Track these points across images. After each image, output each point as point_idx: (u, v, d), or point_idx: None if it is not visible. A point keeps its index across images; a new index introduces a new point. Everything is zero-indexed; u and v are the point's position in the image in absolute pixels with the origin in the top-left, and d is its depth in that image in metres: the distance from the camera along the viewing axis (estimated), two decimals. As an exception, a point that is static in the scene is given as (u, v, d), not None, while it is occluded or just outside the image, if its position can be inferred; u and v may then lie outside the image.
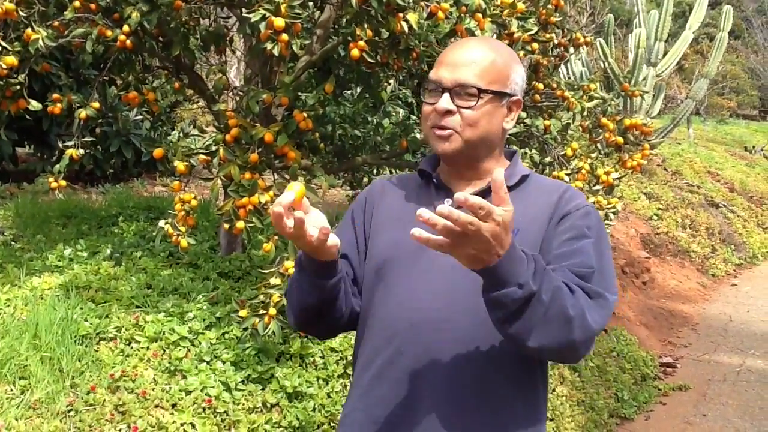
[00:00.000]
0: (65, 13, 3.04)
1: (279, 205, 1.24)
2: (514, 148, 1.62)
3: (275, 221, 1.25)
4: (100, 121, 3.76)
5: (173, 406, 2.97)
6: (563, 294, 1.23)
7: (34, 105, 3.16)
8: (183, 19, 3.23)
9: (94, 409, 2.86)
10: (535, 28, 3.37)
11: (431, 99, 1.44)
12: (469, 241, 1.11)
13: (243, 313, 3.01)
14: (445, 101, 1.40)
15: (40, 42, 2.94)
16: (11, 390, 2.86)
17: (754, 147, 17.90)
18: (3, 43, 2.94)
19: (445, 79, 1.41)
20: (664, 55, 10.39)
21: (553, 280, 1.23)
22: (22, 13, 2.95)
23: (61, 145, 3.41)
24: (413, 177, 1.58)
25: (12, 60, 2.97)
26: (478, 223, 1.08)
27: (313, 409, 3.13)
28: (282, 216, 1.24)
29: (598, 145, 4.05)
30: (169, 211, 3.13)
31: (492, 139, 1.46)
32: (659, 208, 10.08)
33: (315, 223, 1.29)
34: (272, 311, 2.92)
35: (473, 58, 1.42)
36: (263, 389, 3.16)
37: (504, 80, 1.44)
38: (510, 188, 1.43)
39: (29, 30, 2.95)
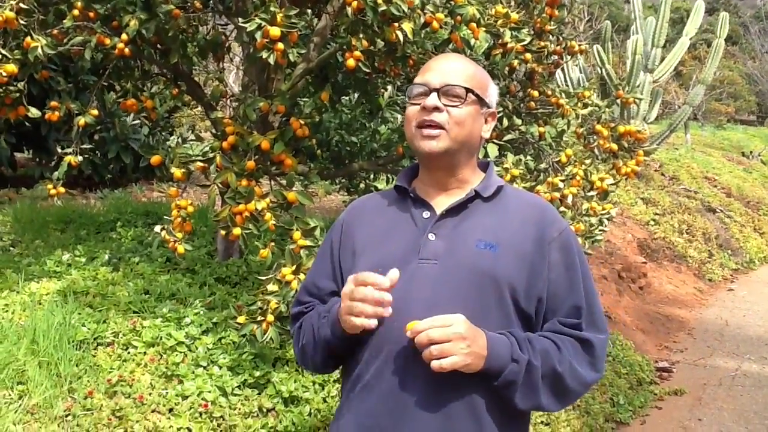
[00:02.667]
0: (64, 21, 3.08)
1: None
2: (488, 159, 1.67)
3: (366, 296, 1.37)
4: (98, 127, 3.79)
5: (170, 410, 3.00)
6: (550, 354, 1.41)
7: (34, 112, 3.19)
8: (181, 27, 3.26)
9: (92, 413, 2.88)
10: (529, 39, 3.40)
11: (417, 100, 1.50)
12: (454, 350, 1.32)
13: (241, 319, 3.03)
14: (433, 99, 1.46)
15: (40, 50, 2.97)
16: (9, 395, 2.89)
17: (751, 152, 17.97)
18: (3, 51, 2.97)
19: (433, 80, 1.48)
20: (661, 61, 10.44)
21: (536, 345, 1.41)
22: (22, 22, 2.98)
23: (60, 150, 3.43)
24: (390, 193, 1.61)
25: (12, 68, 3.00)
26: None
27: (309, 414, 3.15)
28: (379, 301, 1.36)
29: (594, 150, 4.08)
30: (166, 217, 3.16)
31: (473, 144, 1.53)
32: (656, 213, 10.11)
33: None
34: (270, 318, 2.94)
35: (458, 67, 1.51)
36: (259, 394, 3.18)
37: (484, 90, 1.53)
38: (486, 199, 1.51)
39: (29, 38, 2.99)
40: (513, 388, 1.39)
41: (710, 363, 5.98)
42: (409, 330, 1.34)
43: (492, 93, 1.56)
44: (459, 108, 1.46)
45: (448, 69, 1.49)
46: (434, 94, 1.46)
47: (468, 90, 1.47)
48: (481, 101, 1.51)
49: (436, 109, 1.45)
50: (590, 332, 1.47)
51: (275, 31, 2.64)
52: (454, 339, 1.32)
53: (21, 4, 2.96)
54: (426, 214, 1.51)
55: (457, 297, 1.40)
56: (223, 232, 3.04)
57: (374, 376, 1.44)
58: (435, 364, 1.32)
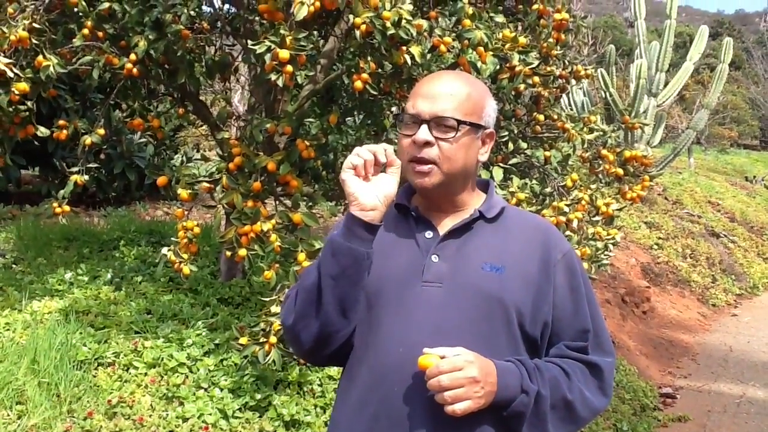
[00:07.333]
0: (74, 40, 3.09)
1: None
2: (487, 178, 1.61)
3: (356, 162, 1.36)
4: (104, 145, 3.80)
5: (170, 433, 2.96)
6: (559, 382, 1.39)
7: (43, 131, 3.20)
8: (189, 48, 3.28)
9: (91, 435, 2.85)
10: (536, 62, 3.41)
11: (409, 131, 1.43)
12: (468, 395, 1.29)
13: (243, 340, 3.01)
14: (423, 133, 1.39)
15: (51, 69, 2.98)
16: (8, 415, 2.86)
17: (754, 177, 17.98)
18: (15, 70, 2.97)
19: (423, 111, 1.41)
20: (665, 85, 10.49)
21: (545, 373, 1.38)
22: (34, 41, 2.99)
23: (66, 168, 3.43)
24: (389, 211, 1.52)
25: (24, 86, 3.01)
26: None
27: (311, 438, 3.12)
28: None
29: (600, 175, 4.07)
30: (172, 238, 3.15)
31: (468, 172, 1.47)
32: (660, 238, 10.08)
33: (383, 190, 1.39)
34: (273, 339, 2.91)
35: (450, 91, 1.42)
36: (260, 417, 3.15)
37: (479, 113, 1.45)
38: (490, 220, 1.47)
39: (41, 57, 3.00)
40: (521, 419, 1.36)
41: (714, 389, 5.92)
42: (423, 368, 1.30)
43: (489, 112, 1.47)
44: (450, 143, 1.40)
45: (439, 94, 1.41)
46: (425, 127, 1.39)
47: (460, 122, 1.40)
48: (475, 127, 1.44)
49: (427, 143, 1.39)
50: (597, 355, 1.45)
51: (284, 54, 2.64)
52: (467, 384, 1.28)
53: (33, 24, 2.97)
54: (429, 234, 1.45)
55: (464, 321, 1.37)
56: (228, 253, 3.03)
57: (380, 405, 1.38)
58: (449, 409, 1.29)
